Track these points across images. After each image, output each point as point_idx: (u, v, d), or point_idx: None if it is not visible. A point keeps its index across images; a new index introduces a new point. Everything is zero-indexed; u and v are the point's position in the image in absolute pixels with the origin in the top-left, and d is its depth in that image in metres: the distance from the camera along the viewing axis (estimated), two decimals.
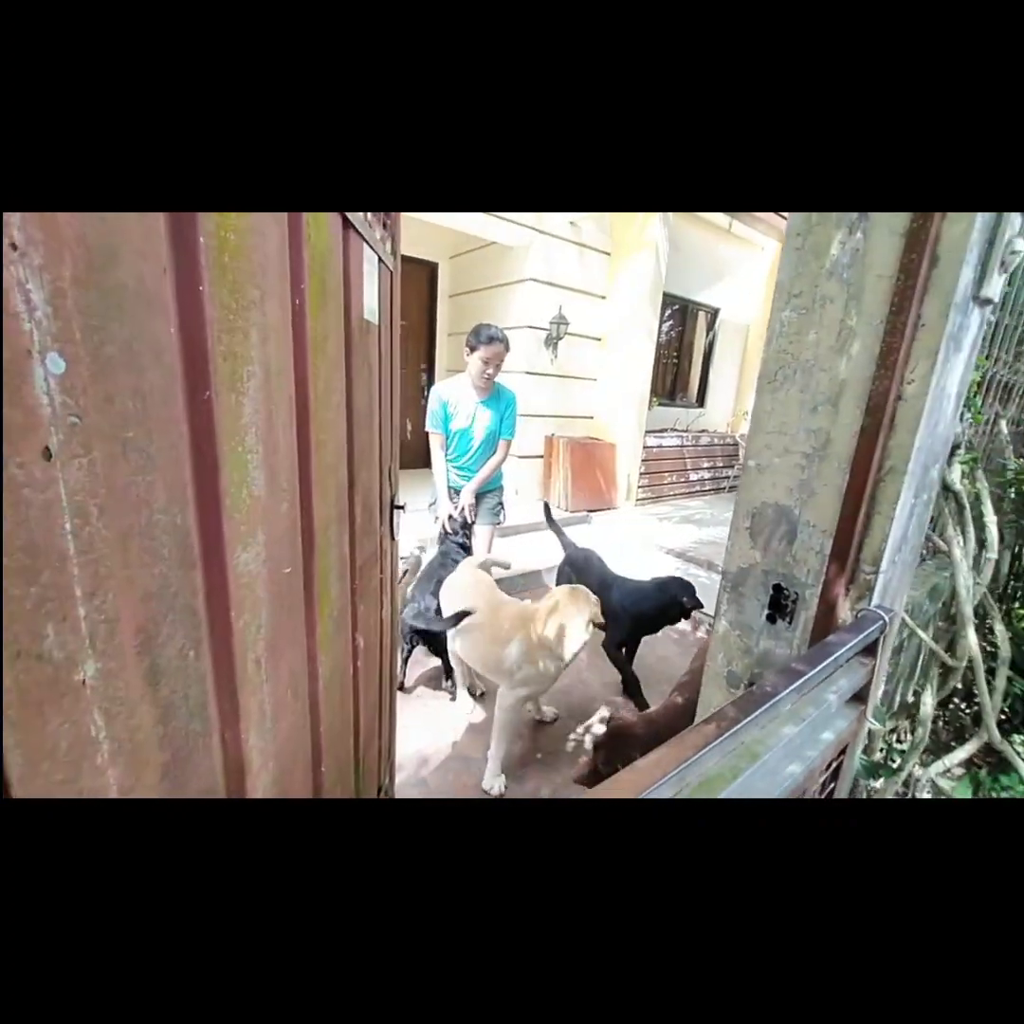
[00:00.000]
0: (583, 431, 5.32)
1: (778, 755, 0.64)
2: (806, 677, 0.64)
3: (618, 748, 1.39)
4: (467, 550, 2.31)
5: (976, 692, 1.27)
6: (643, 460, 5.28)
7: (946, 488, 1.02)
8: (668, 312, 6.03)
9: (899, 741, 1.48)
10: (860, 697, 0.88)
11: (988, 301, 0.82)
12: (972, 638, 1.01)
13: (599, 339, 5.18)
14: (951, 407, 0.90)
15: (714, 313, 6.60)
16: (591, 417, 5.41)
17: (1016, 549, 1.94)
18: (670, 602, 2.09)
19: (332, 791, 0.89)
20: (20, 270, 0.26)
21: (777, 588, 1.00)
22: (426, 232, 4.74)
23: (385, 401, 1.18)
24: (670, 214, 4.74)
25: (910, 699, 1.45)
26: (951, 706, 1.74)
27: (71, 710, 0.31)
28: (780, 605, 1.00)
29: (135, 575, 0.37)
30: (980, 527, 1.04)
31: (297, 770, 0.73)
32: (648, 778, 0.44)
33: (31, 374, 0.27)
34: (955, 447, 1.00)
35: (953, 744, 1.44)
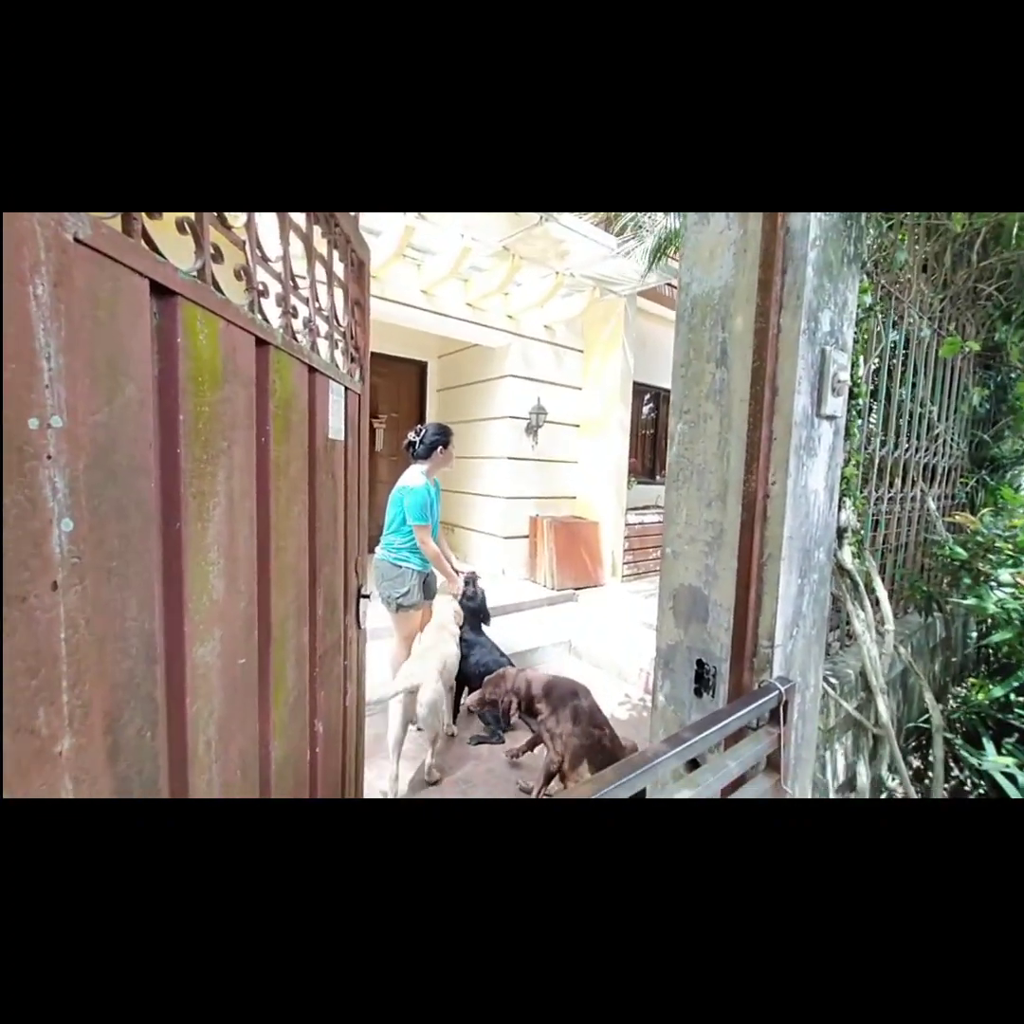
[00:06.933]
0: (567, 511, 5.54)
1: None
2: (688, 744, 0.73)
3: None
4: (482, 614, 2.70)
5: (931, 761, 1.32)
6: (626, 537, 5.46)
7: (840, 568, 1.15)
8: (647, 396, 6.50)
9: None
10: (773, 765, 0.96)
11: (832, 417, 1.01)
12: (881, 705, 1.10)
13: (577, 425, 5.55)
14: (823, 500, 1.06)
15: None
16: (574, 497, 5.66)
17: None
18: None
19: None
20: (51, 471, 0.41)
21: (699, 663, 1.11)
22: (416, 337, 5.25)
23: (352, 502, 1.34)
24: (634, 316, 5.29)
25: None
26: (927, 781, 1.76)
27: (49, 776, 0.42)
28: (703, 679, 1.10)
29: (107, 670, 0.49)
30: (875, 601, 1.16)
31: None
32: None
33: (50, 535, 0.42)
34: (842, 531, 1.15)
35: None
